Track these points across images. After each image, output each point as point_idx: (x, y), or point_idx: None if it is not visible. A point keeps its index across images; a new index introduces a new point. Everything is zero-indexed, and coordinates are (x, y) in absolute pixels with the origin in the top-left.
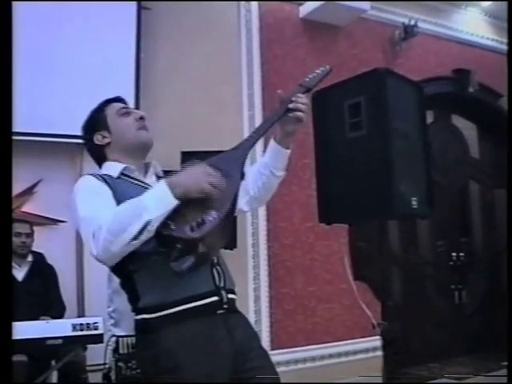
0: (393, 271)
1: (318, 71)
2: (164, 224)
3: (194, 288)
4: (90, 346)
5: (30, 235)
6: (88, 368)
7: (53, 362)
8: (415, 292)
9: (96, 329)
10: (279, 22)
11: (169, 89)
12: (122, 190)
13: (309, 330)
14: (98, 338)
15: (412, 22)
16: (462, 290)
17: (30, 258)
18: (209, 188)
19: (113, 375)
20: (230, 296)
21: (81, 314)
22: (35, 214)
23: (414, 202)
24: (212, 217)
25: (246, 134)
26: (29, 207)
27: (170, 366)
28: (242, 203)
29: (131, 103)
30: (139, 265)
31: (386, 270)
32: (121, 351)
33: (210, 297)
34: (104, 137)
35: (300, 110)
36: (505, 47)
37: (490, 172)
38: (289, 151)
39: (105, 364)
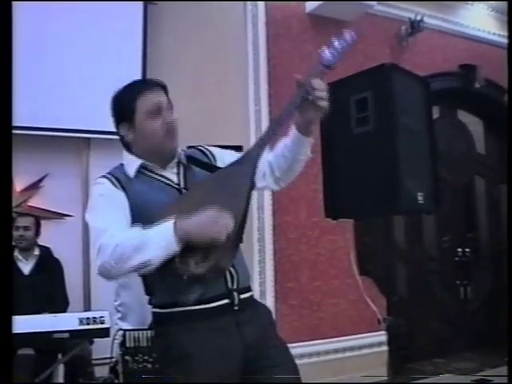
0: (398, 266)
1: (338, 43)
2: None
3: (204, 292)
4: (96, 340)
5: (29, 228)
6: (94, 362)
7: (59, 356)
8: (420, 287)
9: (102, 323)
10: (285, 17)
11: (174, 83)
12: (137, 190)
13: (314, 324)
14: (104, 332)
15: (418, 18)
16: (467, 285)
17: (36, 252)
18: (216, 237)
19: (120, 368)
20: (243, 296)
21: (87, 308)
22: (42, 208)
23: (420, 198)
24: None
25: (253, 128)
26: (35, 201)
27: (177, 357)
28: (271, 182)
29: None
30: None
31: (391, 265)
32: (128, 345)
33: (220, 300)
34: (128, 130)
35: (321, 98)
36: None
37: (496, 167)
38: (311, 139)
39: (111, 357)
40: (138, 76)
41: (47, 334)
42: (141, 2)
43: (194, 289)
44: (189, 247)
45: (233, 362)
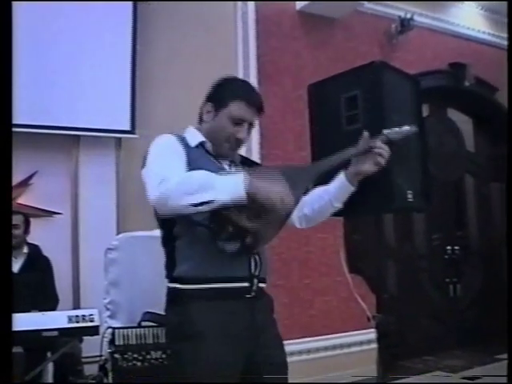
0: (388, 264)
1: (403, 128)
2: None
3: (229, 270)
4: (85, 338)
5: (18, 226)
6: (84, 360)
7: (48, 354)
8: (410, 285)
9: (92, 321)
10: (276, 15)
11: (165, 81)
12: (196, 158)
13: (305, 322)
14: (93, 330)
15: (408, 16)
16: (456, 283)
17: (25, 250)
18: (278, 203)
19: (109, 367)
20: (261, 285)
21: (76, 306)
22: (31, 206)
23: (410, 196)
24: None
25: None
26: (24, 199)
27: (189, 334)
28: (294, 217)
29: (127, 95)
30: (185, 232)
31: (381, 262)
32: (117, 343)
33: (241, 282)
34: (208, 112)
35: (381, 155)
36: (500, 41)
37: (486, 165)
38: (353, 188)
39: (101, 356)
40: (128, 74)
41: (36, 333)
42: (130, 2)
43: (214, 267)
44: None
45: (241, 345)
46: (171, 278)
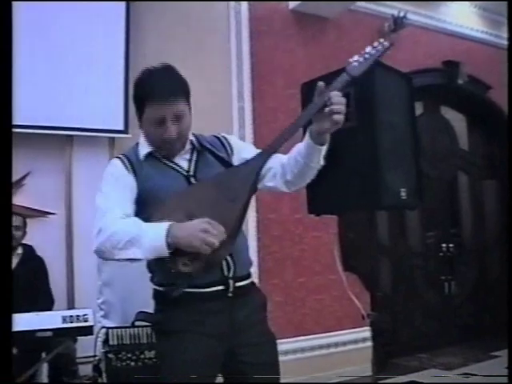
0: (382, 262)
1: (367, 53)
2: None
3: (201, 277)
4: (80, 338)
5: (20, 228)
6: (78, 360)
7: (43, 355)
8: (405, 283)
9: (86, 321)
10: (268, 14)
11: None
12: (146, 173)
13: (298, 321)
14: (88, 330)
15: (401, 14)
16: (451, 280)
17: (19, 251)
18: (202, 250)
19: (103, 366)
20: (239, 284)
21: (71, 306)
22: (24, 207)
23: (403, 193)
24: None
25: (236, 125)
26: (18, 199)
27: (167, 332)
28: (281, 184)
29: (120, 95)
30: None
31: (375, 260)
32: (110, 342)
33: (215, 286)
34: (138, 119)
35: (337, 113)
36: (493, 39)
37: (479, 163)
38: (323, 147)
39: (95, 356)
40: (121, 73)
41: (30, 333)
42: (123, 2)
43: (179, 283)
44: (180, 250)
45: (218, 344)
46: (152, 281)
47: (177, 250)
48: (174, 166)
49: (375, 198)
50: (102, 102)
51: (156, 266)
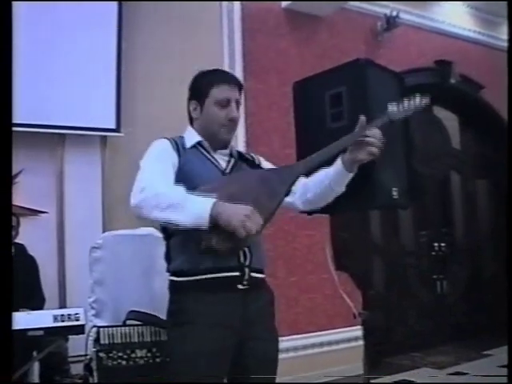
0: (375, 261)
1: (408, 104)
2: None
3: (218, 261)
4: (71, 337)
5: (13, 228)
6: (70, 359)
7: (34, 354)
8: (397, 282)
9: (77, 320)
10: (261, 12)
11: (150, 79)
12: (188, 160)
13: (291, 319)
14: (79, 329)
15: (394, 13)
16: (443, 279)
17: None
18: (239, 229)
19: (94, 365)
20: (254, 275)
21: (62, 305)
22: (16, 205)
23: (395, 193)
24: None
25: None
26: None
27: (184, 321)
28: (299, 202)
29: (112, 94)
30: (177, 231)
31: (367, 259)
32: (102, 341)
33: (231, 271)
34: (195, 109)
35: (373, 145)
36: (486, 39)
37: (472, 162)
38: (351, 174)
39: (86, 355)
40: (112, 72)
41: (21, 332)
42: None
43: (205, 260)
44: (217, 227)
45: (230, 335)
46: (169, 271)
47: (213, 227)
48: (213, 160)
49: (367, 197)
50: (94, 101)
51: (181, 249)
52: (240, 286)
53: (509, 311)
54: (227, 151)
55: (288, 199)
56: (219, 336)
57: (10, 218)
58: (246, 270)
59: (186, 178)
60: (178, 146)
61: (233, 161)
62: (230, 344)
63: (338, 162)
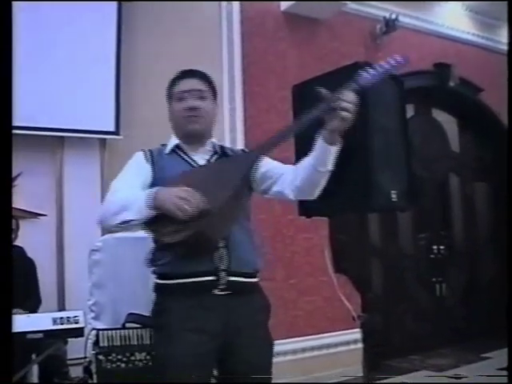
0: (373, 264)
1: (380, 66)
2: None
3: (194, 265)
4: (70, 340)
5: (13, 231)
6: (69, 362)
7: (33, 356)
8: (396, 285)
9: (77, 322)
10: (260, 15)
11: (149, 82)
12: (165, 165)
13: (290, 322)
14: (78, 332)
15: (393, 16)
16: (442, 282)
17: None
18: (175, 211)
19: (93, 368)
20: (234, 279)
21: (61, 308)
22: (15, 208)
23: (394, 196)
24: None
25: (227, 127)
26: None
27: (162, 323)
28: (288, 190)
29: (112, 96)
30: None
31: (366, 262)
32: (101, 344)
33: (205, 276)
34: (168, 112)
35: (345, 110)
36: (484, 41)
37: (470, 165)
38: (334, 147)
39: (85, 357)
40: (112, 74)
41: (21, 335)
42: (114, 2)
43: (183, 264)
44: (167, 218)
45: (209, 340)
46: (154, 273)
47: (164, 220)
48: (190, 161)
49: (366, 200)
50: (93, 104)
51: (158, 254)
52: (216, 291)
53: (508, 314)
54: (208, 148)
55: (278, 188)
56: (194, 340)
57: (10, 222)
58: (222, 274)
59: (162, 183)
60: (153, 155)
61: (215, 157)
62: (209, 349)
63: (319, 139)
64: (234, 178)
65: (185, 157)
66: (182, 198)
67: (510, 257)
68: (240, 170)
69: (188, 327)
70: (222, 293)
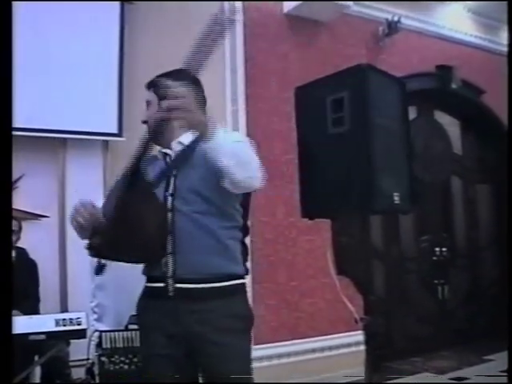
0: (376, 266)
1: (204, 45)
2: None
3: (150, 271)
4: (73, 341)
5: (14, 232)
6: (71, 363)
7: (36, 358)
8: (398, 287)
9: (79, 324)
10: (263, 17)
11: None
12: (150, 168)
13: (292, 324)
14: (81, 333)
15: (395, 18)
16: (444, 284)
17: (12, 254)
18: (71, 222)
19: (96, 370)
20: (181, 285)
21: (64, 309)
22: (17, 209)
23: (396, 198)
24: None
25: (229, 129)
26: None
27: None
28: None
29: (114, 98)
30: None
31: (368, 264)
32: (104, 346)
33: (157, 282)
34: None
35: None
36: (487, 43)
37: (473, 167)
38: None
39: (88, 359)
40: (115, 75)
41: (23, 336)
42: (117, 2)
43: (148, 269)
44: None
45: (171, 343)
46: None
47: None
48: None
49: (368, 202)
50: (95, 105)
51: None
52: (167, 296)
53: (509, 316)
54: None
55: None
56: (159, 342)
57: (10, 223)
58: (170, 281)
59: None
60: (150, 160)
61: (178, 155)
62: (174, 352)
63: None
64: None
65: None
66: (75, 210)
67: (511, 259)
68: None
69: (153, 329)
70: (174, 299)
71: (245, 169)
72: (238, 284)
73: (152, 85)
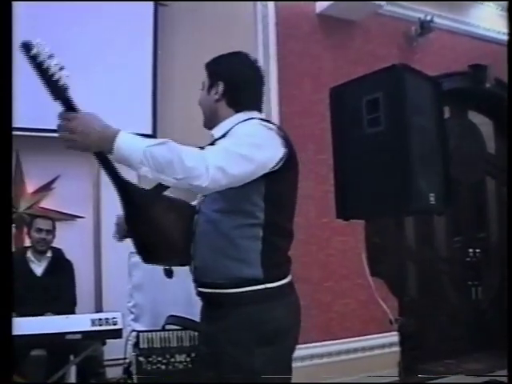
0: (409, 267)
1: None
2: None
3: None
4: (107, 341)
5: (51, 232)
6: (105, 363)
7: (71, 357)
8: (432, 288)
9: (115, 324)
10: (295, 18)
11: (185, 85)
12: None
13: (325, 325)
14: (117, 333)
15: (428, 18)
16: (478, 286)
17: (49, 254)
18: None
19: (133, 370)
20: (203, 289)
21: (98, 309)
22: (53, 210)
23: (432, 198)
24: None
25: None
26: (47, 203)
27: None
28: None
29: (148, 100)
30: None
31: (402, 265)
32: (141, 346)
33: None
34: None
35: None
36: None
37: (506, 167)
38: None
39: (124, 358)
40: (149, 79)
41: (60, 335)
42: (151, 6)
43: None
44: None
45: (202, 348)
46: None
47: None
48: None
49: (405, 202)
50: (130, 107)
51: None
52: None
53: (509, 314)
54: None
55: None
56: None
57: (11, 224)
58: (195, 284)
59: None
60: None
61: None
62: (204, 355)
63: None
64: None
65: None
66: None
67: (511, 260)
68: None
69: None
70: (204, 303)
71: (169, 173)
72: (250, 291)
73: (206, 66)
